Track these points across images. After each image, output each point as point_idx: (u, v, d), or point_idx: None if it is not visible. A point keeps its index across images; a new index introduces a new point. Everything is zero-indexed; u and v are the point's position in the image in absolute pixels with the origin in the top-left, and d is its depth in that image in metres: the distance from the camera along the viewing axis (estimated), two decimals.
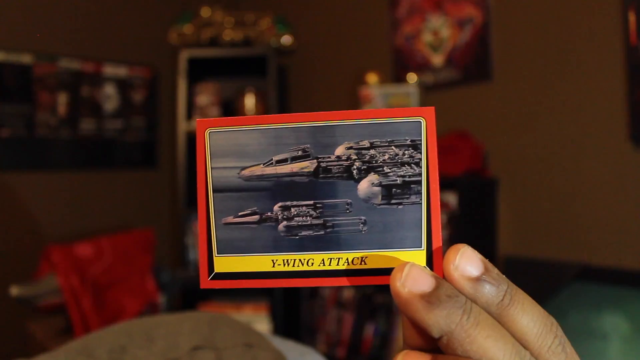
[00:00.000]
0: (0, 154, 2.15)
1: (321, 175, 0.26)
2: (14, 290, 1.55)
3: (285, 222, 0.26)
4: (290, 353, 0.50)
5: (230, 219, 0.26)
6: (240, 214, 0.26)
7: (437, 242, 0.26)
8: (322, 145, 0.26)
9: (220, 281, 0.26)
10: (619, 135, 1.34)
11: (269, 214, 0.26)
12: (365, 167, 0.26)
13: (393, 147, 0.26)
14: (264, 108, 2.33)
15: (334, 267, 0.26)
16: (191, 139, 2.35)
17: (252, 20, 2.37)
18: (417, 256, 0.26)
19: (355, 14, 2.18)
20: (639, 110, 1.29)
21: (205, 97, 2.31)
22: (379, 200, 0.26)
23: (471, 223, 1.55)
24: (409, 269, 0.23)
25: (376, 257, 0.26)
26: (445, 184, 1.61)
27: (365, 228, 0.26)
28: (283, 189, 0.26)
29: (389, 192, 0.26)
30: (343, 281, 0.26)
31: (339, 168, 0.26)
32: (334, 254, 0.26)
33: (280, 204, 0.26)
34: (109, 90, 2.44)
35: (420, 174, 0.26)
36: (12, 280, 1.63)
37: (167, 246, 2.62)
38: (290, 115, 0.26)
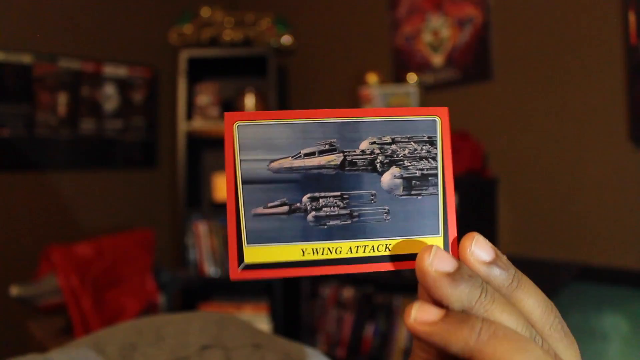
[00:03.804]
0: (0, 154, 2.15)
1: (347, 168, 0.27)
2: (14, 290, 1.55)
3: (314, 213, 0.27)
4: (297, 355, 0.50)
5: (260, 210, 0.26)
6: (269, 204, 0.27)
7: (453, 229, 0.28)
8: (348, 140, 0.27)
9: (250, 271, 0.26)
10: (619, 135, 1.34)
11: (298, 204, 0.27)
12: (387, 160, 0.28)
13: (412, 142, 0.28)
14: (263, 108, 2.33)
15: (360, 254, 0.27)
16: (191, 139, 2.36)
17: (252, 20, 2.37)
18: (435, 242, 0.28)
19: (355, 14, 2.18)
20: (639, 110, 1.29)
21: (205, 97, 2.31)
22: (400, 191, 0.28)
23: (471, 223, 1.55)
24: (436, 250, 0.25)
25: (399, 244, 0.27)
26: None
27: (388, 217, 0.28)
28: (311, 180, 0.27)
29: (409, 184, 0.28)
30: (369, 267, 0.27)
31: (364, 161, 0.28)
32: (361, 242, 0.27)
33: (309, 195, 0.27)
34: (109, 90, 2.44)
35: (436, 168, 0.28)
36: (12, 280, 1.63)
37: (167, 246, 2.62)
38: (316, 111, 0.27)
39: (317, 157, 0.27)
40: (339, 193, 0.27)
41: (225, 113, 0.27)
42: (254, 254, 0.26)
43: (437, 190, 0.28)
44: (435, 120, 0.28)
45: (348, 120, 0.28)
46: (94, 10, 2.41)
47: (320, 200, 0.27)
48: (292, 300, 2.21)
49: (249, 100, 2.32)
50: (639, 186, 1.32)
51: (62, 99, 2.30)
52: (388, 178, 0.28)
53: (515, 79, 1.60)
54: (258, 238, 0.26)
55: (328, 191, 0.27)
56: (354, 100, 2.01)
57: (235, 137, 0.26)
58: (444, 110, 0.28)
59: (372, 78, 1.90)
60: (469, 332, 0.23)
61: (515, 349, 0.23)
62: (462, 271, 0.25)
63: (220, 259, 2.27)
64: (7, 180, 2.16)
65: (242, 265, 0.26)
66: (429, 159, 0.28)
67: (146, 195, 2.59)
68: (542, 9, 1.52)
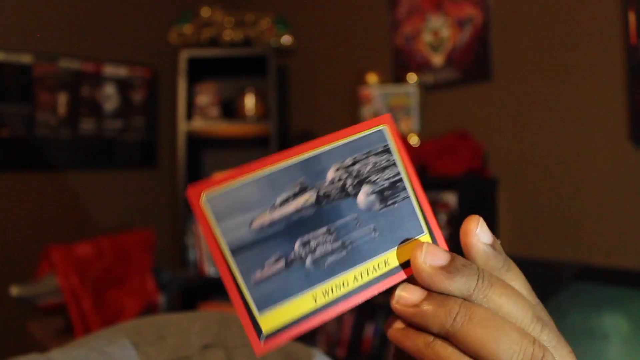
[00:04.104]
0: (0, 154, 2.15)
1: (324, 202, 0.27)
2: (14, 290, 1.55)
3: (310, 256, 0.26)
4: (298, 354, 0.50)
5: (259, 275, 0.25)
6: (266, 265, 0.26)
7: (434, 224, 0.29)
8: (315, 175, 0.27)
9: (273, 339, 0.25)
10: (619, 135, 1.34)
11: (293, 255, 0.26)
12: (356, 182, 0.28)
13: (371, 156, 0.29)
14: (264, 108, 2.33)
15: (365, 279, 0.27)
16: (191, 139, 2.36)
17: (252, 20, 2.37)
18: (424, 240, 0.29)
19: (355, 14, 2.18)
20: (639, 110, 1.29)
21: (205, 97, 2.31)
22: (378, 206, 0.28)
23: None
24: (427, 247, 0.26)
25: (395, 255, 0.28)
26: (445, 184, 1.61)
27: (376, 234, 0.28)
28: (296, 226, 0.26)
29: (382, 196, 0.28)
30: (378, 288, 0.27)
31: (336, 190, 0.28)
32: (362, 267, 0.27)
33: (299, 241, 0.26)
34: (109, 90, 2.44)
35: (399, 173, 0.29)
36: (12, 280, 1.63)
37: (167, 246, 2.62)
38: (274, 156, 0.27)
39: (293, 201, 0.27)
40: (325, 229, 0.27)
41: (188, 189, 0.25)
42: (270, 320, 0.25)
43: (408, 193, 0.29)
44: (382, 129, 0.29)
45: (308, 155, 0.27)
46: (94, 10, 2.41)
47: (312, 243, 0.26)
48: None
49: (249, 100, 2.32)
50: (639, 186, 1.32)
51: (62, 99, 2.30)
52: (363, 198, 0.28)
53: (515, 79, 1.60)
54: (268, 303, 0.25)
55: (315, 230, 0.27)
56: (354, 100, 2.01)
57: (206, 211, 0.25)
58: (387, 117, 0.29)
59: (372, 78, 1.90)
60: (445, 316, 0.24)
61: (489, 335, 0.24)
62: (456, 262, 0.25)
63: None
64: (7, 180, 2.16)
65: (262, 337, 0.25)
66: (391, 167, 0.29)
67: (146, 195, 2.59)
68: (542, 9, 1.52)
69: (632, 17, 1.29)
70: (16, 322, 1.98)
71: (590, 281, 1.34)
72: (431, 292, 0.26)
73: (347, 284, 0.27)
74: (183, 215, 2.30)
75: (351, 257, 0.27)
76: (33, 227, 2.21)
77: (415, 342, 0.25)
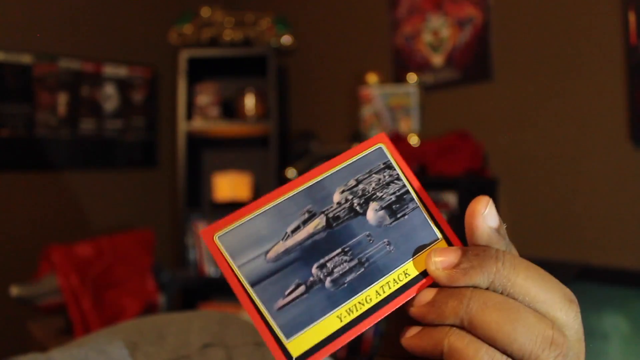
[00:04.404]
0: (0, 154, 2.15)
1: (334, 225, 0.28)
2: (14, 290, 1.55)
3: (329, 278, 0.27)
4: None
5: (281, 302, 0.26)
6: (286, 292, 0.27)
7: (447, 228, 0.30)
8: (320, 200, 0.28)
9: None
10: (619, 135, 1.34)
11: (311, 278, 0.27)
12: (362, 200, 0.29)
13: (374, 174, 0.30)
14: (264, 108, 2.33)
15: (387, 292, 0.28)
16: (191, 139, 2.36)
17: (252, 20, 2.37)
18: (440, 245, 0.29)
19: (355, 14, 2.18)
20: (639, 110, 1.29)
21: (205, 97, 2.31)
22: (388, 220, 0.29)
23: None
24: (434, 252, 0.26)
25: (413, 265, 0.29)
26: (445, 184, 1.60)
27: (391, 248, 0.28)
28: (310, 251, 0.27)
29: (391, 210, 0.29)
30: (401, 299, 0.28)
31: (344, 211, 0.29)
32: (382, 281, 0.28)
33: (315, 265, 0.27)
34: (109, 90, 2.44)
35: (404, 185, 0.30)
36: (12, 280, 1.63)
37: (167, 246, 2.62)
38: (278, 190, 0.28)
39: (304, 227, 0.28)
40: (340, 249, 0.28)
41: (201, 231, 0.27)
42: (298, 344, 0.26)
43: (416, 204, 0.30)
44: (380, 147, 0.30)
45: (311, 183, 0.28)
46: (94, 10, 2.41)
47: (328, 265, 0.27)
48: None
49: (249, 100, 2.32)
50: (639, 186, 1.32)
51: (62, 99, 2.30)
52: (372, 214, 0.29)
53: (515, 79, 1.60)
54: (294, 328, 0.26)
55: (330, 253, 0.28)
56: (354, 100, 2.01)
57: (221, 249, 0.26)
58: (382, 136, 0.31)
59: (372, 78, 1.90)
60: (457, 304, 0.24)
61: (505, 319, 0.23)
62: (468, 255, 0.25)
63: None
64: (7, 180, 2.16)
65: None
66: (395, 181, 0.30)
67: (146, 195, 2.59)
68: (542, 9, 1.52)
69: (632, 17, 1.29)
70: (16, 322, 1.98)
71: (590, 281, 1.34)
72: (440, 288, 0.26)
73: (370, 300, 0.27)
74: (183, 215, 2.30)
75: (370, 273, 0.28)
76: (33, 227, 2.21)
77: (432, 337, 0.25)
